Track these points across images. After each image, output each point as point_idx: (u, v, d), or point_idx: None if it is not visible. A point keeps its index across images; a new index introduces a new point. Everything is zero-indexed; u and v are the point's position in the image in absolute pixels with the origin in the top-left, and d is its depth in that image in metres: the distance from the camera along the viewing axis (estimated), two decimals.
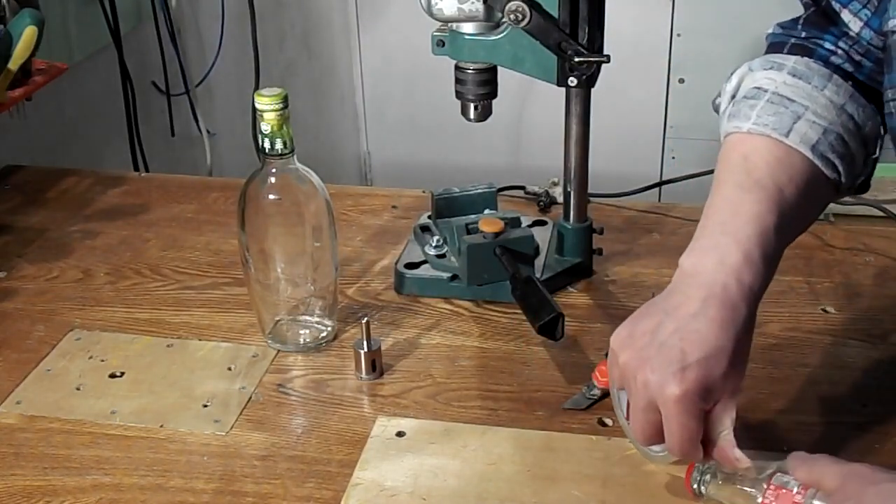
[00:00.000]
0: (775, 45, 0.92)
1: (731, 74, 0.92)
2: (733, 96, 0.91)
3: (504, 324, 1.07)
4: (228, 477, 0.87)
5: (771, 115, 0.85)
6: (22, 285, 1.16)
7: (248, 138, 2.03)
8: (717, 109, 0.93)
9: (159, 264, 1.20)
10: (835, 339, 1.03)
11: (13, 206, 1.34)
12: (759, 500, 0.75)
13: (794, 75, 0.87)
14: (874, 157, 0.89)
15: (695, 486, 0.80)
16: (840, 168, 0.85)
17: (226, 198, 1.34)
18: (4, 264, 1.20)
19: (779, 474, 0.75)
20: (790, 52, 0.90)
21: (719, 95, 0.93)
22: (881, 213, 1.23)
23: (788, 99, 0.86)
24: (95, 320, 1.09)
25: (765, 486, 0.75)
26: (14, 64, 1.20)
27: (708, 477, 0.80)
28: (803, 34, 0.91)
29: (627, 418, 0.82)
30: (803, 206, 0.84)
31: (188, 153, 2.03)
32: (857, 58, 0.88)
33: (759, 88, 0.88)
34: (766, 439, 0.89)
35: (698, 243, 0.82)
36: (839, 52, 0.88)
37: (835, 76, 0.87)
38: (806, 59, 0.88)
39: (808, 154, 0.83)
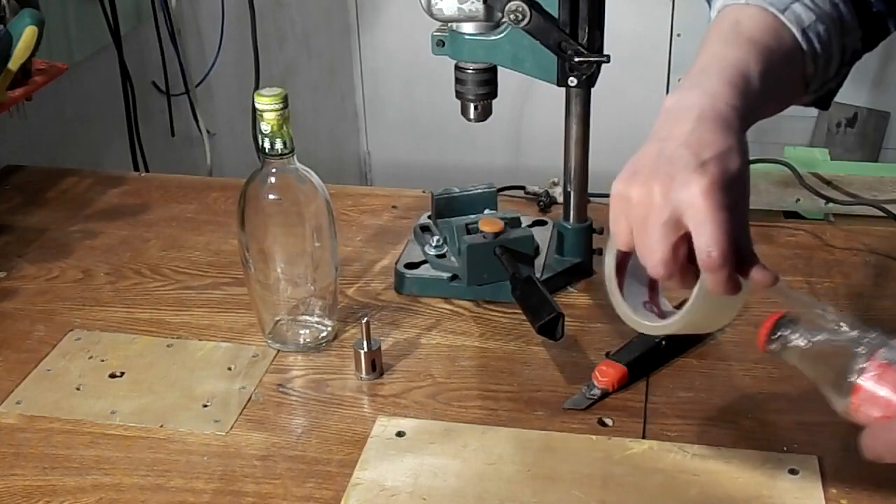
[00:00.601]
0: None
1: None
2: None
3: (504, 324, 1.07)
4: (228, 477, 0.87)
5: None
6: (22, 285, 1.16)
7: (248, 138, 2.03)
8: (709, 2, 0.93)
9: (159, 264, 1.20)
10: None
11: (13, 206, 1.34)
12: (854, 378, 0.70)
13: None
14: (845, 69, 0.88)
15: (772, 346, 0.74)
16: (818, 61, 0.84)
17: (226, 198, 1.34)
18: (4, 264, 1.20)
19: (884, 350, 0.70)
20: None
21: None
22: (881, 213, 1.23)
23: None
24: (95, 320, 1.09)
25: (864, 361, 0.70)
26: (14, 64, 1.20)
27: (790, 334, 0.74)
28: None
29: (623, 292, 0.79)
30: (783, 81, 0.83)
31: (188, 153, 2.03)
32: None
33: None
34: (766, 439, 0.89)
35: (680, 86, 0.81)
36: None
37: None
38: None
39: (798, 35, 0.82)
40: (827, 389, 0.74)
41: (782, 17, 0.83)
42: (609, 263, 0.82)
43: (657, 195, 0.73)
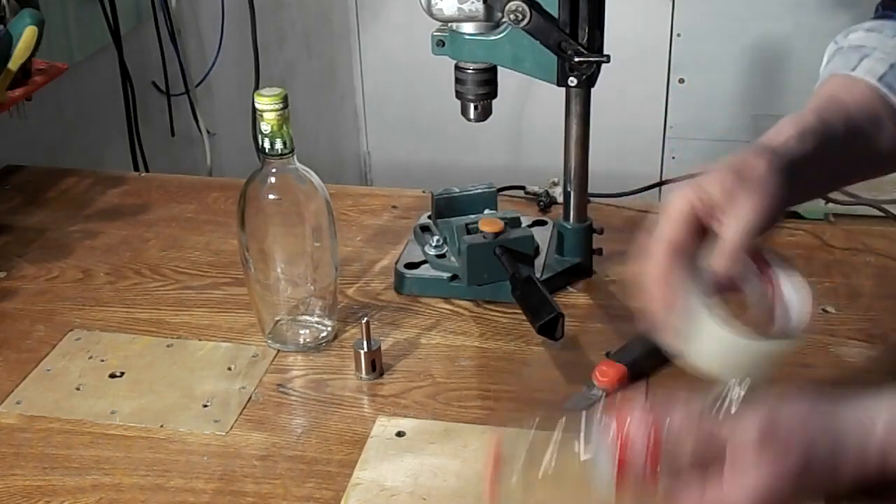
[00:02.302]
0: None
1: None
2: (820, 74, 0.93)
3: (504, 324, 1.07)
4: (228, 477, 0.87)
5: (840, 60, 0.88)
6: (22, 285, 1.16)
7: (248, 138, 2.03)
8: None
9: (159, 264, 1.20)
10: (835, 339, 1.03)
11: (13, 206, 1.34)
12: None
13: (868, 30, 0.90)
14: None
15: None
16: None
17: (226, 198, 1.34)
18: (4, 264, 1.20)
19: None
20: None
21: None
22: (881, 213, 1.23)
23: (858, 47, 0.88)
24: (95, 320, 1.09)
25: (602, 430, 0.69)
26: (14, 64, 1.20)
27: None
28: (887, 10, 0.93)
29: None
30: (865, 129, 0.83)
31: (188, 153, 2.03)
32: None
33: (838, 49, 0.91)
34: None
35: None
36: None
37: None
38: (884, 21, 0.91)
39: (874, 82, 0.85)
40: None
41: (854, 74, 0.86)
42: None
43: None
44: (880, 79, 0.85)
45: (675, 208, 0.76)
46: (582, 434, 0.71)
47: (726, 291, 0.76)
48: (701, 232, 0.76)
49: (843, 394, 0.72)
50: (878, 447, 0.70)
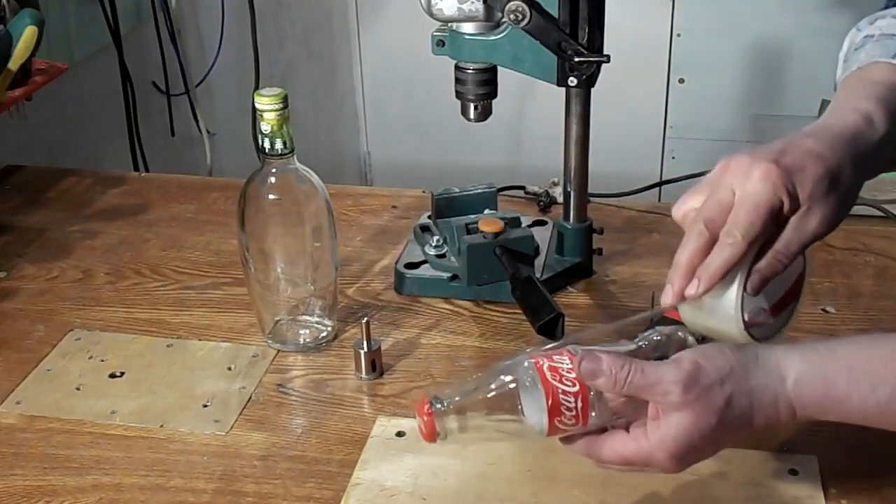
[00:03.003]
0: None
1: (844, 41, 0.94)
2: (845, 59, 0.92)
3: (504, 324, 1.07)
4: (228, 477, 0.87)
5: (879, 48, 0.87)
6: (22, 285, 1.16)
7: (248, 138, 2.03)
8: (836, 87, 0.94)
9: (159, 264, 1.20)
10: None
11: (13, 206, 1.34)
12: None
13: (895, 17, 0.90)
14: None
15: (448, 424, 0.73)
16: None
17: (226, 198, 1.34)
18: (4, 264, 1.20)
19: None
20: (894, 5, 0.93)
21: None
22: (881, 213, 1.23)
23: (890, 35, 0.88)
24: (95, 320, 1.09)
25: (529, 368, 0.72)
26: (14, 64, 1.20)
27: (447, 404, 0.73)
28: None
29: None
30: None
31: (188, 153, 2.03)
32: None
33: (867, 36, 0.90)
34: (766, 439, 0.88)
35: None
36: None
37: None
38: None
39: None
40: (519, 428, 0.73)
41: None
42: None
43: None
44: None
45: (761, 200, 0.74)
46: (513, 378, 0.73)
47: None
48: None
49: (761, 350, 0.74)
50: (786, 401, 0.73)
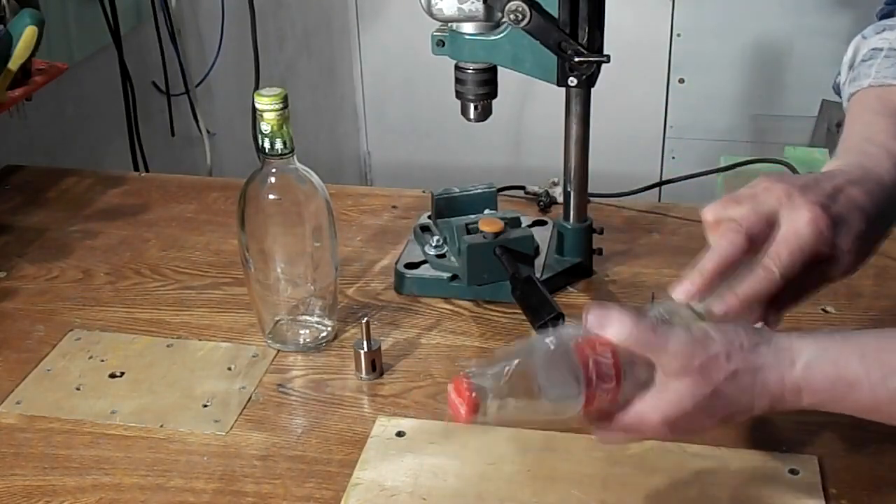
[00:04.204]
0: (885, 16, 0.94)
1: (848, 47, 0.94)
2: (851, 66, 0.92)
3: (504, 324, 1.07)
4: (228, 477, 0.87)
5: (889, 67, 0.86)
6: (22, 285, 1.16)
7: (248, 138, 2.03)
8: (837, 90, 0.94)
9: (159, 264, 1.20)
10: None
11: (13, 206, 1.34)
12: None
13: (892, 28, 0.90)
14: None
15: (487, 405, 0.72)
16: None
17: (226, 198, 1.34)
18: (4, 264, 1.20)
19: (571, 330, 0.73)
20: None
21: (839, 75, 0.94)
22: None
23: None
24: (95, 320, 1.09)
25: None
26: (14, 64, 1.20)
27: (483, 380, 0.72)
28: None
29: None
30: None
31: (188, 153, 2.03)
32: None
33: (874, 49, 0.90)
34: (766, 439, 0.88)
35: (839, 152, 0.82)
36: None
37: None
38: None
39: None
40: (554, 405, 0.73)
41: None
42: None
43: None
44: None
45: (807, 244, 0.75)
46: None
47: None
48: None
49: (775, 334, 0.73)
50: (793, 385, 0.71)
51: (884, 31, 0.91)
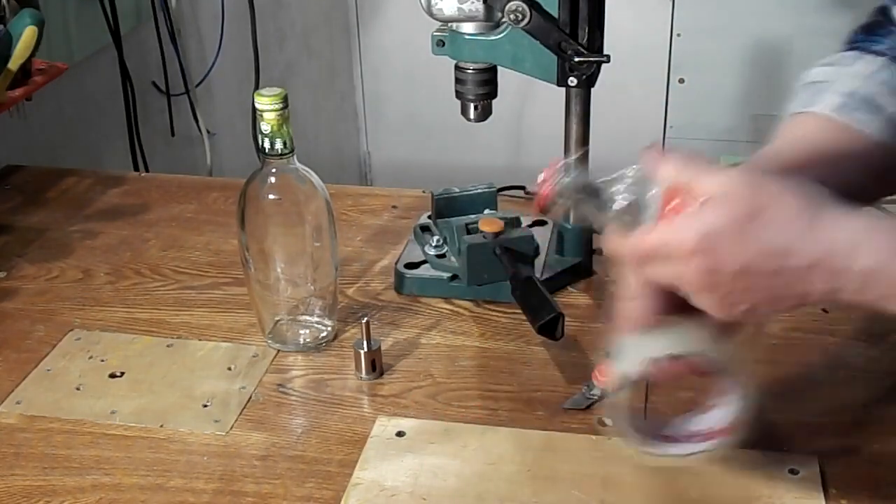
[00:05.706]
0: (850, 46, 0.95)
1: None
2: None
3: (504, 324, 1.07)
4: (228, 477, 0.87)
5: (801, 97, 0.89)
6: (22, 285, 1.16)
7: (248, 138, 2.03)
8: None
9: (159, 264, 1.20)
10: (835, 339, 1.03)
11: (13, 206, 1.34)
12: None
13: (828, 64, 0.91)
14: None
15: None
16: (875, 124, 0.85)
17: (226, 198, 1.34)
18: (4, 264, 1.20)
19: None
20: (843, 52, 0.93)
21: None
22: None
23: (817, 82, 0.90)
24: (95, 320, 1.09)
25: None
26: (14, 64, 1.20)
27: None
28: (859, 38, 0.93)
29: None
30: (841, 163, 0.83)
31: (188, 153, 2.03)
32: None
33: (799, 84, 0.92)
34: (766, 439, 0.88)
35: None
36: (886, 45, 0.90)
37: (867, 55, 0.89)
38: (851, 52, 0.91)
39: (835, 116, 0.86)
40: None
41: (813, 110, 0.87)
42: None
43: None
44: (838, 109, 0.85)
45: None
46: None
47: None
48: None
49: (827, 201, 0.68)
50: (852, 232, 0.67)
51: (815, 66, 0.92)
